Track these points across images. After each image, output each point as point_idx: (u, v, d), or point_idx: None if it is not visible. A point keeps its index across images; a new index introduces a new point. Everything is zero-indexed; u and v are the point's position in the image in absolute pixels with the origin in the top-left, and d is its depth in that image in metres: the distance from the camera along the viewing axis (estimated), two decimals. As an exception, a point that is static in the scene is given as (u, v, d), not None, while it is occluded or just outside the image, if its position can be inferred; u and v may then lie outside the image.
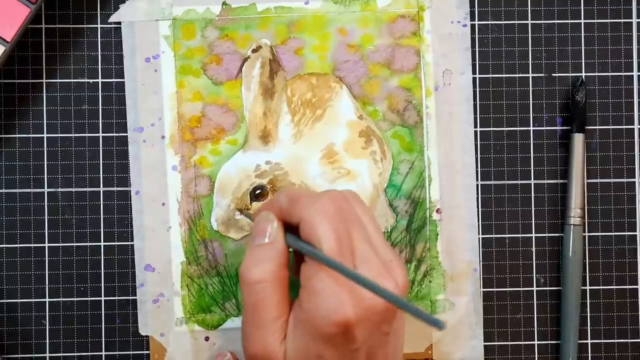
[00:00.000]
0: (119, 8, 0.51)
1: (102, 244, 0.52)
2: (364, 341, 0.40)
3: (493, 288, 0.52)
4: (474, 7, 0.53)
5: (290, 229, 0.42)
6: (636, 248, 0.53)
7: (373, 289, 0.38)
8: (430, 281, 0.51)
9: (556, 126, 0.53)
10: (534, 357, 0.53)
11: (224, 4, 0.51)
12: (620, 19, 0.53)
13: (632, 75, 0.53)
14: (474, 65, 0.53)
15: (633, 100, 0.53)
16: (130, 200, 0.51)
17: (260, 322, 0.41)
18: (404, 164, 0.52)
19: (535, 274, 0.53)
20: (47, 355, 0.51)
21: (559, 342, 0.52)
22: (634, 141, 0.53)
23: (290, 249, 0.43)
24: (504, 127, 0.53)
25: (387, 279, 0.40)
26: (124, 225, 0.52)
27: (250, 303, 0.41)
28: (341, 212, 0.41)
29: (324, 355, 0.40)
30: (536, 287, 0.53)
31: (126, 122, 0.51)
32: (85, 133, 0.52)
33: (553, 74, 0.53)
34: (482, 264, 0.52)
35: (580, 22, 0.53)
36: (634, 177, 0.53)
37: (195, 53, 0.51)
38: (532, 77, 0.53)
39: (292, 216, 0.42)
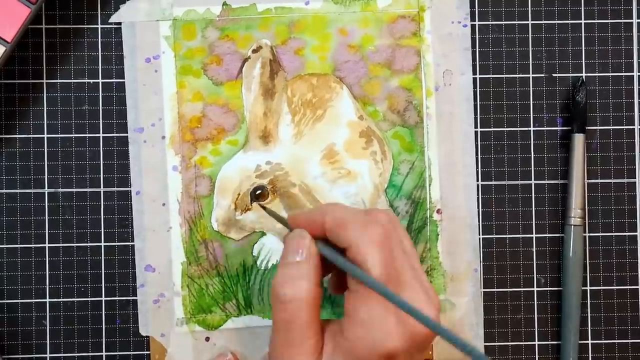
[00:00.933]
0: (119, 8, 0.51)
1: (102, 244, 0.52)
2: None
3: (493, 288, 0.52)
4: (474, 8, 0.53)
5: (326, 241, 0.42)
6: (637, 248, 0.53)
7: (421, 318, 0.37)
8: (430, 281, 0.51)
9: (557, 126, 0.53)
10: (535, 358, 0.53)
11: (224, 4, 0.51)
12: (621, 19, 0.53)
13: (633, 76, 0.53)
14: (474, 66, 0.53)
15: (633, 100, 0.53)
16: (131, 201, 0.51)
17: (291, 341, 0.40)
18: (405, 164, 0.52)
19: (536, 274, 0.53)
20: (48, 355, 0.51)
21: (559, 342, 0.52)
22: (635, 141, 0.53)
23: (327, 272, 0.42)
24: (504, 127, 0.53)
25: (429, 306, 0.40)
26: (125, 225, 0.52)
27: (283, 321, 0.40)
28: (389, 238, 0.40)
29: None
30: (537, 287, 0.53)
31: (127, 122, 0.51)
32: (86, 133, 0.52)
33: (553, 75, 0.53)
34: (483, 264, 0.52)
35: (581, 23, 0.53)
36: (635, 178, 0.53)
37: (196, 53, 0.51)
38: (533, 77, 0.53)
39: (339, 240, 0.41)
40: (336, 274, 0.45)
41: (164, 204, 0.51)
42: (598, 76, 0.53)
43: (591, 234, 0.53)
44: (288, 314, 0.40)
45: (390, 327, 0.39)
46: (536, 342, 0.53)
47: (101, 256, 0.51)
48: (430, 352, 0.51)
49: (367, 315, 0.39)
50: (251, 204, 0.51)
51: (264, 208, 0.50)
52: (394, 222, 0.42)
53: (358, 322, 0.39)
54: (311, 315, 0.40)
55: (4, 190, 0.51)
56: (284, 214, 0.51)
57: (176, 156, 0.51)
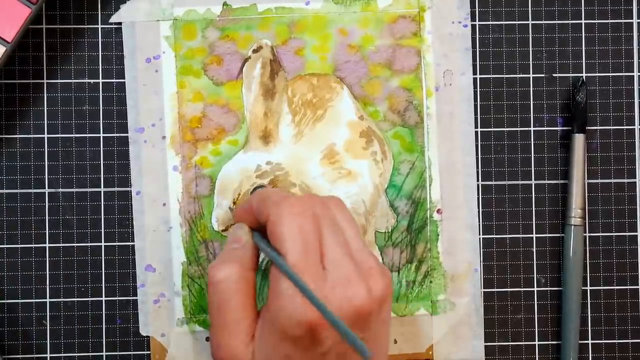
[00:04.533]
0: (119, 8, 0.51)
1: (102, 244, 0.52)
2: (333, 345, 0.39)
3: (494, 288, 0.52)
4: (475, 8, 0.53)
5: (263, 232, 0.42)
6: (637, 248, 0.53)
7: (312, 300, 0.38)
8: (430, 282, 0.51)
9: (557, 126, 0.53)
10: (535, 358, 0.53)
11: (224, 4, 0.51)
12: (621, 19, 0.53)
13: (633, 76, 0.53)
14: (474, 66, 0.53)
15: (634, 100, 0.53)
16: (131, 201, 0.51)
17: (224, 324, 0.41)
18: (405, 164, 0.52)
19: (536, 274, 0.53)
20: (48, 355, 0.51)
21: (559, 342, 0.52)
22: (635, 141, 0.53)
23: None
24: (504, 127, 0.53)
25: (358, 285, 0.39)
26: (125, 225, 0.52)
27: (215, 303, 0.41)
28: (312, 214, 0.41)
29: (292, 356, 0.39)
30: (537, 287, 0.53)
31: (127, 122, 0.51)
32: (86, 133, 0.52)
33: (554, 75, 0.53)
34: (483, 265, 0.52)
35: (581, 23, 0.53)
36: (635, 178, 0.53)
37: (196, 53, 0.51)
38: (533, 77, 0.53)
39: (261, 215, 0.42)
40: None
41: (164, 204, 0.51)
42: (598, 76, 0.53)
43: (591, 234, 0.53)
44: (219, 295, 0.41)
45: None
46: (536, 342, 0.53)
47: (101, 256, 0.51)
48: (431, 352, 0.51)
49: (284, 286, 0.39)
50: (251, 204, 0.51)
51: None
52: (327, 202, 0.42)
53: (278, 293, 0.39)
54: (243, 297, 0.41)
55: (4, 190, 0.51)
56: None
57: (176, 156, 0.51)
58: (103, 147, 0.52)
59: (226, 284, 0.41)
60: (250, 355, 0.40)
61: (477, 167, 0.52)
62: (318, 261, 0.40)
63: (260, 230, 0.43)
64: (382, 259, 0.51)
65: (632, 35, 0.53)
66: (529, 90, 0.53)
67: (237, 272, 0.41)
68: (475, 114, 0.52)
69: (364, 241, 0.43)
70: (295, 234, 0.40)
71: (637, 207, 0.53)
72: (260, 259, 0.51)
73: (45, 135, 0.52)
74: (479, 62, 0.53)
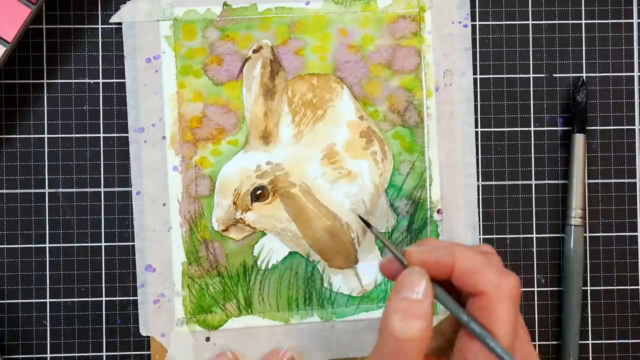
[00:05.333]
0: (119, 8, 0.51)
1: (102, 244, 0.52)
2: None
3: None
4: (475, 8, 0.53)
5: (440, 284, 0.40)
6: (637, 248, 0.53)
7: None
8: (431, 282, 0.51)
9: (557, 127, 0.53)
10: (535, 358, 0.53)
11: (224, 4, 0.51)
12: (621, 19, 0.53)
13: (633, 76, 0.53)
14: (474, 66, 0.53)
15: (634, 100, 0.53)
16: (131, 201, 0.51)
17: None
18: (405, 164, 0.52)
19: (536, 274, 0.53)
20: (48, 355, 0.51)
21: (559, 342, 0.52)
22: (635, 142, 0.53)
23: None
24: (504, 127, 0.53)
25: None
26: (125, 225, 0.52)
27: (392, 356, 0.38)
28: (519, 297, 0.39)
29: None
30: (537, 287, 0.53)
31: (127, 122, 0.51)
32: (86, 133, 0.52)
33: (554, 75, 0.53)
34: (483, 265, 0.52)
35: (581, 23, 0.53)
36: (635, 178, 0.53)
37: (196, 53, 0.51)
38: (533, 77, 0.53)
39: (472, 286, 0.39)
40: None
41: (164, 204, 0.51)
42: (598, 76, 0.53)
43: (591, 234, 0.53)
44: (401, 351, 0.38)
45: None
46: (536, 342, 0.53)
47: (102, 256, 0.51)
48: None
49: None
50: (252, 204, 0.51)
51: (377, 236, 0.45)
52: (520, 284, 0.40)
53: None
54: (420, 357, 0.38)
55: (4, 190, 0.51)
56: (284, 213, 0.51)
57: (176, 156, 0.51)
58: (103, 147, 0.52)
59: (412, 343, 0.38)
60: None
61: (478, 167, 0.52)
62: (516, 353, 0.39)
63: (438, 282, 0.40)
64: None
65: (632, 35, 0.53)
66: (529, 90, 0.53)
67: (424, 331, 0.38)
68: (476, 114, 0.52)
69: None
70: (510, 321, 0.38)
71: (637, 207, 0.53)
72: (260, 260, 0.51)
73: (45, 135, 0.52)
74: (479, 62, 0.53)
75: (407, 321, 0.38)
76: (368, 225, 0.44)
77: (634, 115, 0.53)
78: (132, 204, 0.51)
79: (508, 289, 0.38)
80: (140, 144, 0.51)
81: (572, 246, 0.52)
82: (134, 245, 0.51)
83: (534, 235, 0.53)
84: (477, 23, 0.53)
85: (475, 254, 0.40)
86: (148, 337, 0.51)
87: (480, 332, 0.38)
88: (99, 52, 0.52)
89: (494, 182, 0.53)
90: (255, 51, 0.51)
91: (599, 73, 0.53)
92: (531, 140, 0.53)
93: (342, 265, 0.51)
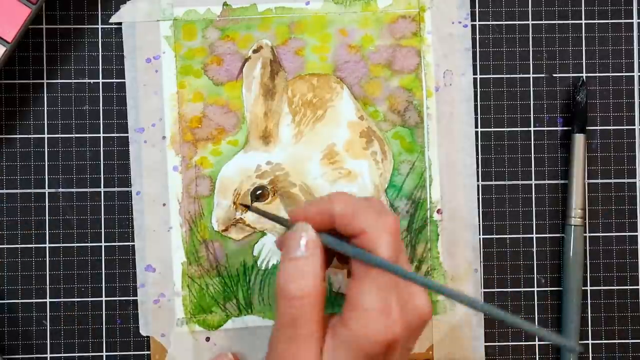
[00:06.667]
0: (119, 9, 0.51)
1: (102, 244, 0.52)
2: (399, 356, 0.40)
3: (494, 289, 0.52)
4: (475, 8, 0.53)
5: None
6: (637, 248, 0.53)
7: (450, 294, 0.38)
8: (431, 282, 0.51)
9: (557, 127, 0.53)
10: (535, 358, 0.53)
11: (224, 4, 0.51)
12: (621, 19, 0.53)
13: (633, 76, 0.53)
14: (474, 66, 0.53)
15: (634, 100, 0.53)
16: (131, 201, 0.51)
17: (295, 338, 0.40)
18: (405, 164, 0.52)
19: (536, 274, 0.53)
20: (48, 355, 0.51)
21: (559, 342, 0.52)
22: (635, 142, 0.53)
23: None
24: (504, 127, 0.53)
25: (425, 296, 0.40)
26: (125, 225, 0.52)
27: (288, 317, 0.40)
28: (398, 231, 0.41)
29: None
30: (537, 287, 0.53)
31: (127, 122, 0.51)
32: (86, 133, 0.52)
33: (554, 75, 0.53)
34: (483, 265, 0.52)
35: (581, 23, 0.53)
36: (635, 178, 0.53)
37: (196, 53, 0.51)
38: (533, 77, 0.53)
39: (351, 227, 0.41)
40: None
41: (164, 204, 0.51)
42: (598, 76, 0.53)
43: (591, 234, 0.53)
44: (295, 310, 0.40)
45: (395, 315, 0.39)
46: (536, 342, 0.53)
47: (101, 256, 0.51)
48: (431, 352, 0.51)
49: (371, 304, 0.39)
50: (252, 204, 0.51)
51: (257, 211, 0.49)
52: (398, 219, 0.43)
53: (361, 310, 0.39)
54: (317, 311, 0.40)
55: (4, 190, 0.51)
56: (283, 214, 0.51)
57: (176, 156, 0.51)
58: (103, 147, 0.52)
59: (303, 300, 0.40)
60: None
61: (477, 167, 0.52)
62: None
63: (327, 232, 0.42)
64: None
65: (632, 35, 0.53)
66: (529, 90, 0.53)
67: (313, 286, 0.40)
68: (476, 114, 0.52)
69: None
70: (391, 247, 0.40)
71: (637, 207, 0.53)
72: (260, 260, 0.51)
73: (45, 135, 0.52)
74: (479, 62, 0.53)
75: (294, 281, 0.40)
76: (248, 207, 0.49)
77: (634, 115, 0.53)
78: (132, 204, 0.51)
79: (387, 226, 0.40)
80: (140, 144, 0.51)
81: (572, 246, 0.52)
82: (134, 245, 0.51)
83: (534, 235, 0.53)
84: (477, 23, 0.53)
85: (352, 197, 0.42)
86: (148, 337, 0.51)
87: (353, 250, 0.40)
88: (99, 52, 0.52)
89: (494, 182, 0.53)
90: (255, 51, 0.51)
91: (599, 73, 0.53)
92: (531, 140, 0.53)
93: (342, 265, 0.51)
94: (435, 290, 0.39)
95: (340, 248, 0.41)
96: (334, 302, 0.51)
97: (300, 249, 0.41)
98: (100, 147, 0.52)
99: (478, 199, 0.52)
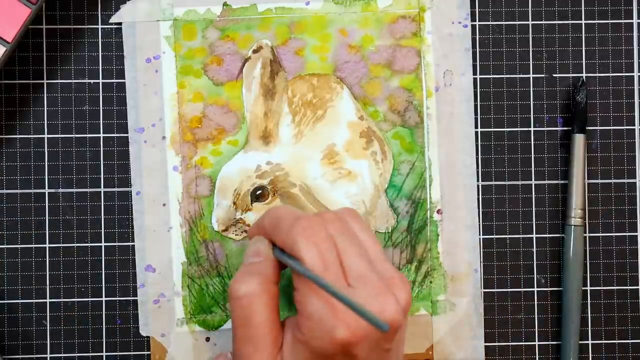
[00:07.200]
0: (119, 9, 0.51)
1: (102, 244, 0.52)
2: (367, 356, 0.39)
3: (494, 289, 0.52)
4: (475, 8, 0.53)
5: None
6: (637, 249, 0.53)
7: (350, 305, 0.38)
8: (431, 282, 0.51)
9: (557, 127, 0.53)
10: (535, 358, 0.53)
11: (224, 4, 0.51)
12: (621, 19, 0.53)
13: (633, 76, 0.53)
14: (474, 66, 0.53)
15: (634, 100, 0.53)
16: (131, 201, 0.51)
17: (249, 338, 0.41)
18: (405, 164, 0.52)
19: (536, 274, 0.53)
20: (48, 355, 0.51)
21: (559, 342, 0.52)
22: (635, 142, 0.53)
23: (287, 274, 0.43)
24: (504, 127, 0.53)
25: (386, 297, 0.40)
26: (125, 225, 0.52)
27: (239, 317, 0.41)
28: (325, 234, 0.41)
29: None
30: (537, 287, 0.53)
31: (127, 122, 0.51)
32: (86, 134, 0.52)
33: (554, 75, 0.53)
34: (483, 265, 0.52)
35: (581, 23, 0.53)
36: (635, 178, 0.53)
37: (196, 53, 0.51)
38: (533, 77, 0.53)
39: (275, 238, 0.42)
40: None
41: (164, 204, 0.51)
42: (598, 76, 0.53)
43: (591, 234, 0.53)
44: (243, 310, 0.41)
45: (337, 319, 0.39)
46: (536, 343, 0.53)
47: (101, 256, 0.51)
48: (431, 353, 0.51)
49: (312, 308, 0.39)
50: (251, 204, 0.51)
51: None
52: (342, 215, 0.43)
53: (306, 315, 0.40)
54: (267, 311, 0.41)
55: (4, 190, 0.51)
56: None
57: (176, 156, 0.51)
58: (103, 147, 0.52)
59: (250, 298, 0.41)
60: None
61: (477, 168, 0.52)
62: (342, 280, 0.40)
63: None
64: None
65: (632, 35, 0.53)
66: (529, 90, 0.53)
67: (260, 285, 0.41)
68: (475, 114, 0.52)
69: (382, 249, 0.43)
70: (312, 253, 0.40)
71: (637, 207, 0.53)
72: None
73: (45, 136, 0.52)
74: (479, 62, 0.53)
75: (242, 281, 0.41)
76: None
77: (634, 115, 0.53)
78: (132, 204, 0.51)
79: (299, 229, 0.40)
80: (140, 144, 0.51)
81: (572, 246, 0.52)
82: (134, 245, 0.51)
83: (534, 236, 0.53)
84: (477, 23, 0.53)
85: (281, 209, 0.44)
86: (148, 337, 0.51)
87: (292, 264, 0.41)
88: (99, 52, 0.52)
89: (494, 182, 0.53)
90: (255, 51, 0.51)
91: (599, 73, 0.53)
92: (531, 140, 0.53)
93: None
94: (347, 305, 0.38)
95: (280, 258, 0.42)
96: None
97: (252, 257, 0.43)
98: (100, 147, 0.52)
99: (478, 199, 0.52)
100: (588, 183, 0.53)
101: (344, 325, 0.39)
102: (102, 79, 0.52)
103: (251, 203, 0.51)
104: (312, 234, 0.40)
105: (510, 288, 0.53)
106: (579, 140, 0.52)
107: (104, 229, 0.52)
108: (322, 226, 0.41)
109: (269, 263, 0.43)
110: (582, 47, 0.53)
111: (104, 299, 0.51)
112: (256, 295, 0.41)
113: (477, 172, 0.52)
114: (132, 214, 0.51)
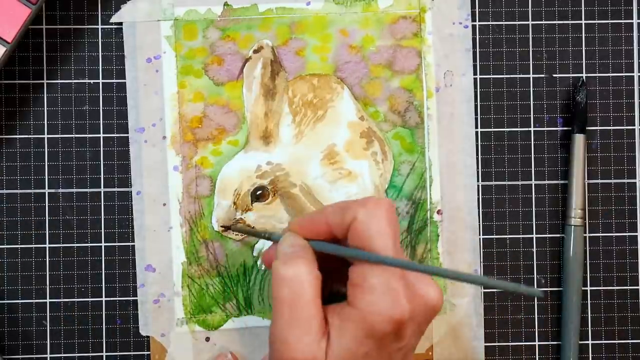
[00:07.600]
0: (120, 8, 0.51)
1: (102, 244, 0.52)
2: (409, 339, 0.40)
3: (494, 289, 0.52)
4: (475, 8, 0.53)
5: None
6: (637, 249, 0.53)
7: (459, 277, 0.39)
8: (431, 282, 0.51)
9: (557, 127, 0.53)
10: (535, 358, 0.53)
11: (225, 4, 0.51)
12: (621, 19, 0.53)
13: (633, 76, 0.53)
14: (475, 66, 0.53)
15: (634, 101, 0.53)
16: (131, 201, 0.51)
17: (296, 320, 0.39)
18: (405, 165, 0.52)
19: (536, 274, 0.53)
20: (48, 356, 0.51)
21: (559, 342, 0.52)
22: (635, 142, 0.53)
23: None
24: (504, 128, 0.53)
25: (433, 284, 0.40)
26: (125, 225, 0.52)
27: (285, 299, 0.40)
28: (394, 214, 0.41)
29: (371, 354, 0.39)
30: (537, 287, 0.53)
31: (127, 122, 0.51)
32: (86, 134, 0.52)
33: (554, 75, 0.53)
34: (483, 265, 0.52)
35: (581, 23, 0.53)
36: (635, 178, 0.53)
37: (197, 53, 0.51)
38: (533, 77, 0.53)
39: (343, 220, 0.41)
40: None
41: (164, 204, 0.51)
42: (598, 76, 0.53)
43: (591, 234, 0.53)
44: (291, 291, 0.40)
45: (400, 293, 0.38)
46: (536, 343, 0.53)
47: (101, 256, 0.51)
48: (431, 353, 0.51)
49: (377, 281, 0.39)
50: (252, 204, 0.51)
51: (240, 230, 0.51)
52: (392, 204, 0.42)
53: (367, 289, 0.39)
54: (315, 293, 0.40)
55: (4, 191, 0.51)
56: (284, 214, 0.51)
57: (177, 156, 0.51)
58: (103, 147, 0.52)
59: (300, 279, 0.40)
60: (323, 353, 0.39)
61: (478, 168, 0.52)
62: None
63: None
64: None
65: (632, 35, 0.54)
66: (529, 90, 0.53)
67: (308, 267, 0.40)
68: (476, 114, 0.52)
69: None
70: (388, 230, 0.40)
71: (637, 207, 0.53)
72: (260, 260, 0.51)
73: (45, 136, 0.51)
74: (480, 62, 0.53)
75: (290, 263, 0.40)
76: (228, 227, 0.51)
77: (634, 115, 0.53)
78: (132, 204, 0.51)
79: (376, 207, 0.40)
80: (140, 144, 0.51)
81: (572, 246, 0.52)
82: (134, 245, 0.51)
83: (534, 236, 0.53)
84: (478, 23, 0.53)
85: (340, 201, 0.43)
86: (148, 337, 0.51)
87: (348, 252, 0.40)
88: (99, 53, 0.52)
89: (494, 182, 0.53)
90: (255, 51, 0.51)
91: (599, 73, 0.53)
92: (531, 141, 0.53)
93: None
94: (434, 274, 0.39)
95: (335, 251, 0.41)
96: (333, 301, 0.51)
97: (289, 248, 0.42)
98: (100, 147, 0.52)
99: (478, 199, 0.52)
100: (588, 183, 0.53)
101: (406, 300, 0.38)
102: (102, 79, 0.52)
103: (251, 203, 0.51)
104: (387, 209, 0.40)
105: (510, 288, 0.53)
106: (579, 140, 0.52)
107: (104, 229, 0.52)
108: (390, 205, 0.41)
109: (309, 250, 0.42)
110: (582, 47, 0.53)
111: (104, 299, 0.51)
112: (305, 277, 0.40)
113: (477, 172, 0.52)
114: (132, 214, 0.51)
